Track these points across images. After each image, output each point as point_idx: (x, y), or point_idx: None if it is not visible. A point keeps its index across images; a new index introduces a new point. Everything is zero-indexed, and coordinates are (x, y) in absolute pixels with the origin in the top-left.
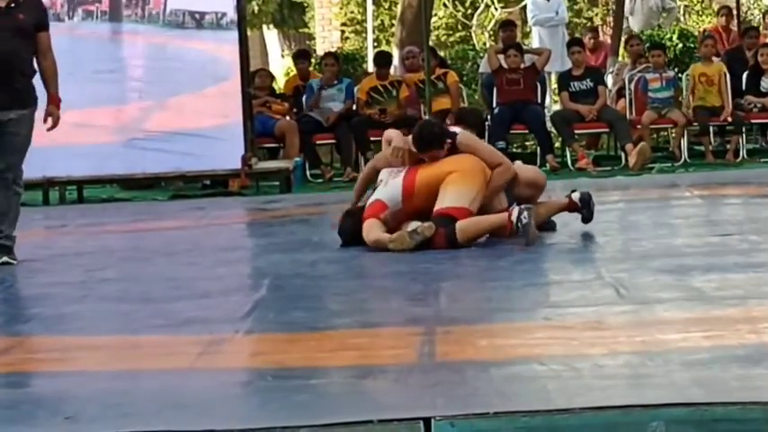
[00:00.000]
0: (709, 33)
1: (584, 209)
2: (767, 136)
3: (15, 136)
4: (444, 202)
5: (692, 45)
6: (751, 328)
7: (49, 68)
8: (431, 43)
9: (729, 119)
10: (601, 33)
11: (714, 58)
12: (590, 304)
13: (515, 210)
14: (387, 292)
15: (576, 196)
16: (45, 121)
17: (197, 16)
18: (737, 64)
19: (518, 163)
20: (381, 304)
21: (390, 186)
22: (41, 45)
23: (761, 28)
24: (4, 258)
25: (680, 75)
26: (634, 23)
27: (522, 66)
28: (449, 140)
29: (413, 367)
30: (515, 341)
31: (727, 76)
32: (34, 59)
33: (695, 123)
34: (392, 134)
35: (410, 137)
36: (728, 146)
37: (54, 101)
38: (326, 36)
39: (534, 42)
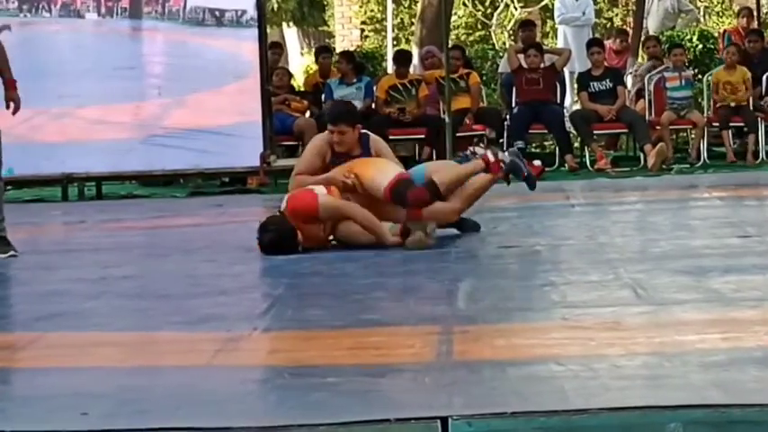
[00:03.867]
0: (731, 40)
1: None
2: None
3: None
4: (383, 179)
5: (711, 46)
6: None
7: (0, 54)
8: (453, 42)
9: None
10: None
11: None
12: (608, 305)
13: (490, 153)
14: (404, 290)
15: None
16: (8, 107)
17: (217, 14)
18: (759, 66)
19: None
20: (399, 303)
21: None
22: None
23: None
24: (11, 252)
25: (699, 76)
26: (650, 24)
27: (542, 66)
28: (360, 127)
29: (430, 366)
30: (533, 341)
31: (751, 81)
32: None
33: (715, 124)
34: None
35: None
36: (748, 146)
37: (11, 85)
38: (346, 34)
39: (559, 41)
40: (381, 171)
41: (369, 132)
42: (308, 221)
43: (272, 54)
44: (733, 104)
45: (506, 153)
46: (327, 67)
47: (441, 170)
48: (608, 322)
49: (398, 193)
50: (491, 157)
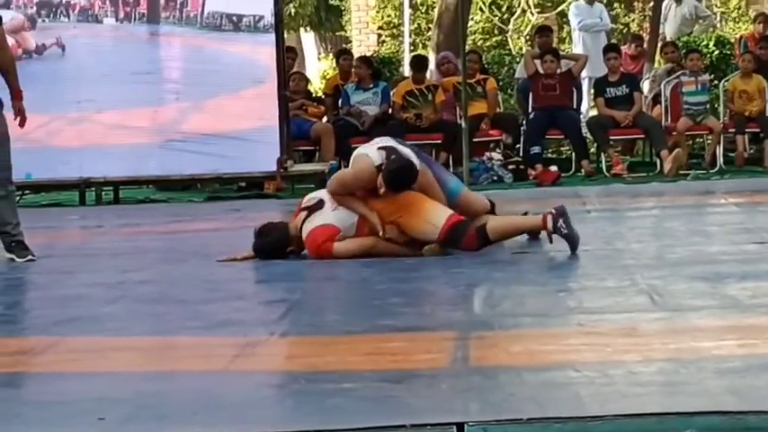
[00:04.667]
0: (747, 46)
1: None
2: None
3: None
4: (433, 229)
5: (728, 52)
6: None
7: (9, 62)
8: (470, 47)
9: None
10: None
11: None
12: (624, 311)
13: (550, 218)
14: (421, 296)
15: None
16: (15, 117)
17: (234, 19)
18: None
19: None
20: (415, 308)
21: (344, 213)
22: None
23: None
24: (29, 256)
25: (716, 81)
26: (668, 30)
27: (559, 71)
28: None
29: (446, 372)
30: (549, 347)
31: (766, 89)
32: None
33: (731, 130)
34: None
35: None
36: (765, 151)
37: (17, 95)
38: (363, 39)
39: (577, 47)
40: (428, 221)
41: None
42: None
43: (286, 59)
44: (747, 113)
45: (564, 223)
46: (348, 69)
47: (498, 217)
48: (624, 328)
49: (452, 241)
50: (550, 225)
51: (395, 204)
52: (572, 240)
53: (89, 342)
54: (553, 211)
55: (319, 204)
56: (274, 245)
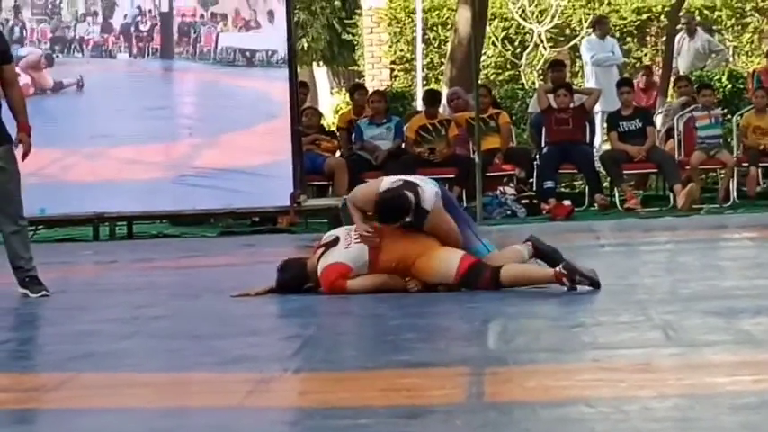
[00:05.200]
0: (760, 80)
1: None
2: None
3: (4, 172)
4: (447, 271)
5: (741, 86)
6: None
7: (18, 99)
8: (482, 82)
9: None
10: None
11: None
12: (638, 346)
13: (566, 279)
14: (435, 331)
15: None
16: (15, 146)
17: (248, 54)
18: None
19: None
20: (430, 344)
21: (355, 251)
22: (8, 77)
23: None
24: (43, 292)
25: (729, 115)
26: (681, 64)
27: (572, 105)
28: (407, 219)
29: (461, 408)
30: (564, 382)
31: None
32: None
33: (744, 164)
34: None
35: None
36: None
37: (24, 128)
38: (376, 74)
39: (590, 82)
40: (443, 265)
41: (428, 209)
42: None
43: (299, 94)
44: (761, 147)
45: (581, 276)
46: (362, 104)
47: (512, 261)
48: (639, 364)
49: (467, 283)
50: (568, 284)
51: (409, 248)
52: (594, 284)
53: (103, 378)
54: (564, 271)
55: (335, 242)
56: (292, 281)
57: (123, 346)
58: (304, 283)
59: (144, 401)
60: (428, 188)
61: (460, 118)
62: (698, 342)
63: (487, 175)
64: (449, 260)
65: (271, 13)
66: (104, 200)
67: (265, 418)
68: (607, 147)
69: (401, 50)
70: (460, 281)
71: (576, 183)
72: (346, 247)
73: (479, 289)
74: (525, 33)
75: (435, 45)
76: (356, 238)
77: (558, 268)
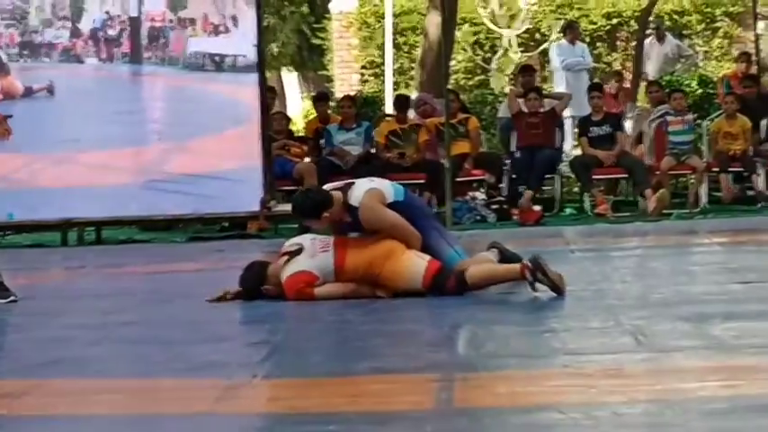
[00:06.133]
0: (730, 85)
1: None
2: None
3: None
4: (414, 278)
5: (711, 91)
6: None
7: None
8: (452, 87)
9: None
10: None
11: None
12: (608, 352)
13: (528, 273)
14: (404, 337)
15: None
16: None
17: (217, 59)
18: (755, 112)
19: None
20: (399, 350)
21: (320, 261)
22: None
23: None
24: (11, 297)
25: (699, 120)
26: (650, 69)
27: (542, 110)
28: (327, 216)
29: (431, 414)
30: (534, 388)
31: (751, 130)
32: None
33: (714, 169)
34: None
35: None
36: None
37: None
38: (346, 78)
39: (559, 87)
40: (410, 270)
41: (356, 205)
42: None
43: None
44: (732, 153)
45: (543, 275)
46: (325, 113)
47: (478, 264)
48: (609, 369)
49: (437, 287)
50: (529, 278)
51: (375, 253)
52: (556, 290)
53: (72, 384)
54: (529, 264)
55: (299, 251)
56: (250, 279)
57: (92, 353)
58: (263, 284)
59: (113, 408)
60: (362, 186)
61: (430, 123)
62: (668, 347)
63: (457, 180)
64: (416, 265)
65: (240, 18)
66: (73, 205)
67: (235, 424)
68: (577, 152)
69: (371, 55)
70: (430, 285)
71: (545, 188)
72: (312, 256)
73: (447, 293)
74: (495, 38)
75: (405, 50)
76: (321, 248)
77: (524, 260)
